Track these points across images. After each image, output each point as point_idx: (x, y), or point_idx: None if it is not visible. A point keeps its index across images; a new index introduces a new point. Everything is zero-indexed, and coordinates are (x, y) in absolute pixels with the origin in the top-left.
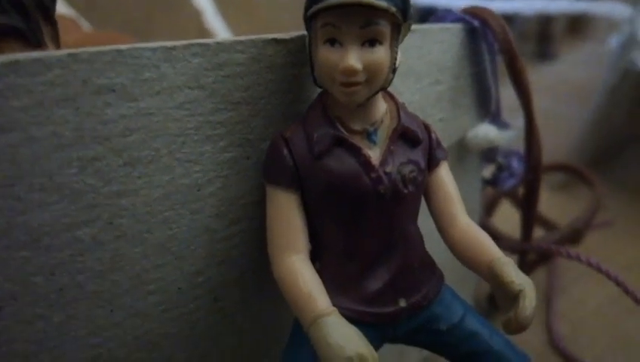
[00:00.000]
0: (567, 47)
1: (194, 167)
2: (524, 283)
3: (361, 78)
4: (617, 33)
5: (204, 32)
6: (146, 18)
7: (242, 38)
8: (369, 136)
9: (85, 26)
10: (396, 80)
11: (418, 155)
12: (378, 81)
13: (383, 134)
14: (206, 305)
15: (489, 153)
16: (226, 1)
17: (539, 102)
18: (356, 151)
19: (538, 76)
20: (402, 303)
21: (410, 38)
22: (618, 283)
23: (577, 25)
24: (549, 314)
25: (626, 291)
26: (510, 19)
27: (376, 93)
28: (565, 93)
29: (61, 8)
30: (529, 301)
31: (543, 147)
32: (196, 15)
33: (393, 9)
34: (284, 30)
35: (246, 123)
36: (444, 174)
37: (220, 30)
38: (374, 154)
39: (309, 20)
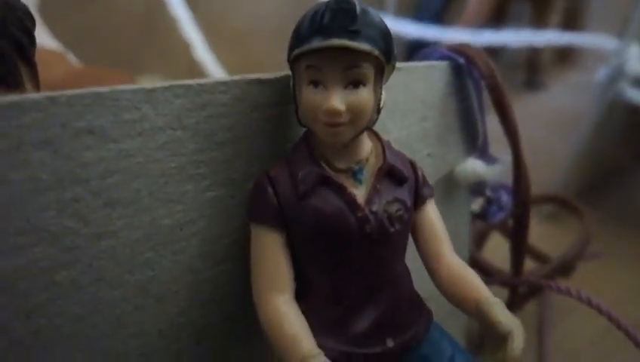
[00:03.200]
0: (556, 76)
1: (176, 207)
2: (512, 325)
3: (344, 118)
4: (605, 65)
5: (193, 64)
6: (136, 51)
7: (225, 78)
8: (354, 174)
9: (73, 60)
10: (383, 117)
11: (404, 193)
12: (362, 122)
13: (368, 173)
14: (188, 347)
15: (477, 187)
16: (215, 34)
17: (527, 131)
18: (341, 190)
19: (527, 105)
20: (390, 343)
21: (396, 76)
22: (610, 318)
23: (566, 55)
24: (541, 347)
25: (618, 326)
26: (499, 49)
27: (361, 132)
28: (553, 122)
29: (49, 42)
30: (517, 343)
31: (531, 179)
32: (185, 47)
33: (376, 52)
34: (273, 62)
35: (230, 162)
36: (431, 212)
37: (209, 62)
38: (360, 193)
39: (293, 62)
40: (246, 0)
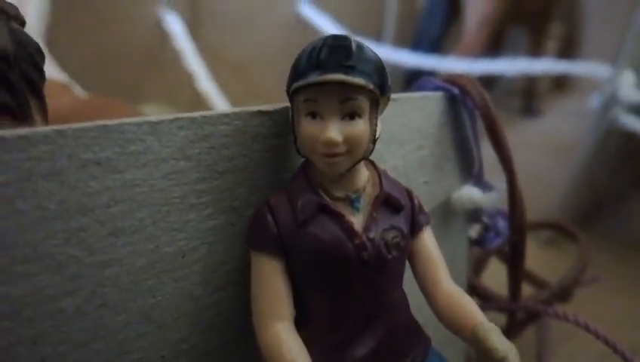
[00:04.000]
0: (552, 103)
1: (178, 235)
2: (508, 350)
3: (341, 149)
4: (598, 92)
5: (196, 94)
6: (140, 81)
7: (227, 110)
8: (352, 203)
9: (78, 91)
10: (380, 146)
11: (401, 221)
12: (358, 152)
13: (365, 201)
14: None
15: (474, 214)
16: (218, 65)
17: (524, 158)
18: (339, 218)
19: (523, 132)
20: None
21: (392, 106)
22: (607, 343)
23: (562, 82)
24: None
25: (615, 350)
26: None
27: (358, 162)
28: (550, 149)
29: (54, 73)
30: None
31: (528, 205)
32: (188, 78)
33: (370, 85)
34: (275, 92)
35: (231, 191)
36: (428, 239)
37: (211, 92)
38: (357, 221)
39: (291, 95)
40: (248, 32)
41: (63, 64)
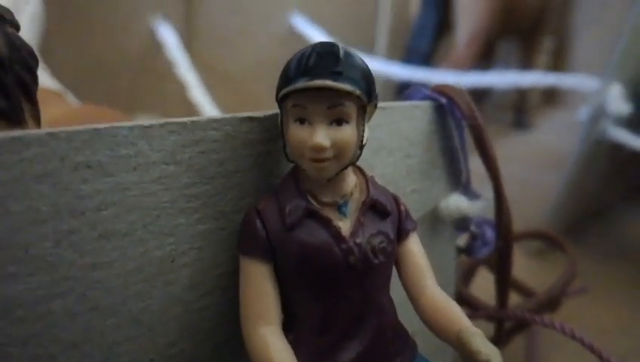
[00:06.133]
0: (542, 117)
1: (168, 240)
2: (491, 354)
3: (329, 154)
4: (587, 105)
5: (188, 104)
6: (133, 91)
7: (217, 116)
8: (339, 208)
9: (72, 99)
10: (369, 154)
11: (387, 227)
12: (346, 157)
13: (352, 207)
14: None
15: (462, 222)
16: (211, 75)
17: (514, 170)
18: (327, 223)
19: (514, 144)
20: None
21: (381, 115)
22: (593, 351)
23: (552, 95)
24: None
25: (601, 358)
26: (487, 90)
27: (346, 168)
28: (540, 161)
29: (48, 82)
30: None
31: (517, 216)
32: (180, 88)
33: (358, 92)
34: (268, 103)
35: (221, 195)
36: (414, 245)
37: (203, 102)
38: (345, 226)
39: (280, 101)
40: (241, 44)
41: (56, 73)
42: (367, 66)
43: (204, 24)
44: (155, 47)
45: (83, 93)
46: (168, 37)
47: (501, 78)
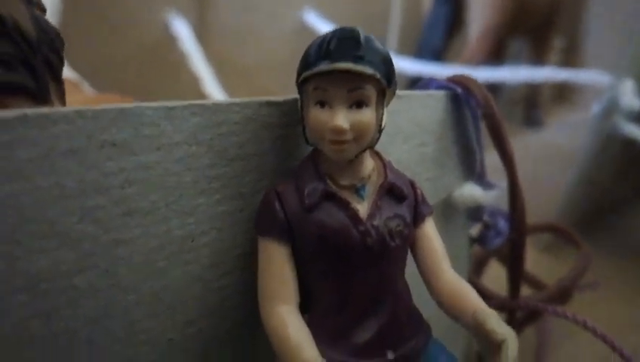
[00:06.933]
0: (554, 112)
1: (189, 219)
2: (507, 334)
3: (349, 136)
4: (599, 100)
5: (202, 97)
6: (146, 82)
7: (238, 100)
8: (357, 191)
9: (88, 89)
10: (385, 140)
11: (404, 210)
12: (365, 140)
13: (370, 190)
14: (196, 357)
15: (475, 212)
16: (224, 69)
17: (527, 167)
18: (345, 205)
19: (526, 142)
20: (390, 355)
21: (397, 102)
22: (605, 341)
23: (564, 92)
24: None
25: (613, 348)
26: (499, 87)
27: (364, 151)
28: (552, 157)
29: (65, 71)
30: (511, 351)
31: (529, 210)
32: (194, 81)
33: (378, 75)
34: (276, 94)
35: (240, 177)
36: (429, 229)
37: (217, 95)
38: (362, 209)
39: (301, 84)
40: (254, 38)
41: (73, 65)
42: (386, 52)
43: (217, 19)
44: (169, 40)
45: (98, 87)
46: (182, 31)
47: (513, 74)
